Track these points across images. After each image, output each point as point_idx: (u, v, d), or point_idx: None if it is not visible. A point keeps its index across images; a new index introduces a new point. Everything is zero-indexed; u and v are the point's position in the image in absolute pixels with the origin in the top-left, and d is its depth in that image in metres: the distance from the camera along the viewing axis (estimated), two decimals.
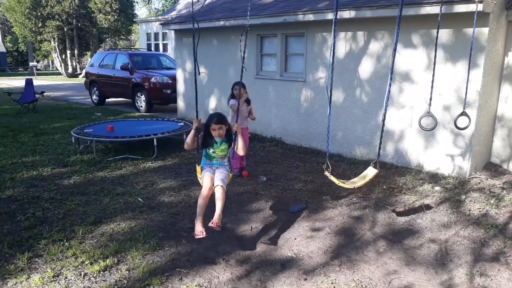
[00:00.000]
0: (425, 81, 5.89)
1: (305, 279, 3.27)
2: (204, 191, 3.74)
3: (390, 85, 3.44)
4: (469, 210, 4.67)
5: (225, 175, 3.95)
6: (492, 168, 6.15)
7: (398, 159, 6.43)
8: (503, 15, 5.78)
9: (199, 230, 3.52)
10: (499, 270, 3.43)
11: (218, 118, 3.93)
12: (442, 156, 5.97)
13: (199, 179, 4.05)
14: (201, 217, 3.62)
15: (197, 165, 4.16)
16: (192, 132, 3.93)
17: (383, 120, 3.68)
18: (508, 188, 5.37)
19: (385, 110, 3.55)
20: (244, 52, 4.15)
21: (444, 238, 4.01)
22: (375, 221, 4.40)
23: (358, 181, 3.72)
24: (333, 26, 3.33)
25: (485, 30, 5.35)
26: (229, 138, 4.05)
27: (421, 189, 5.36)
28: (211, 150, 3.98)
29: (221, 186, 3.73)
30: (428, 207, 4.78)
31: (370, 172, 3.73)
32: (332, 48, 3.48)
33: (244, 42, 4.09)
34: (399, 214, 4.59)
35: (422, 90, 5.97)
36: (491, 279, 3.29)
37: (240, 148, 4.04)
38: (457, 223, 4.35)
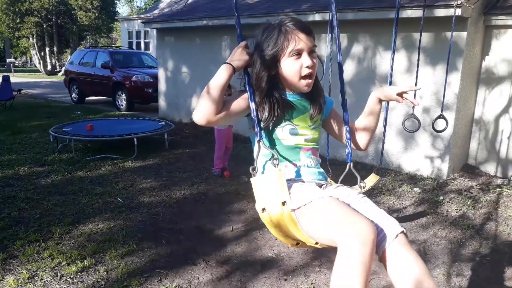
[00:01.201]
0: (405, 84, 5.98)
1: (285, 280, 3.27)
2: (364, 241, 1.43)
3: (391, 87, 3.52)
4: (447, 211, 4.76)
5: (369, 201, 1.78)
6: (469, 170, 6.28)
7: (378, 161, 6.49)
8: (481, 20, 5.91)
9: None
10: (474, 270, 3.50)
11: (302, 23, 1.75)
12: (421, 158, 6.06)
13: (262, 215, 1.67)
14: None
15: (252, 170, 1.76)
16: (228, 69, 1.71)
17: (384, 126, 3.76)
18: (484, 190, 5.49)
19: (386, 115, 3.62)
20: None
21: (422, 238, 4.07)
22: None
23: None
24: (328, 27, 3.33)
25: (464, 34, 5.46)
26: (316, 95, 1.87)
27: (401, 190, 5.43)
28: (288, 125, 1.80)
29: (403, 231, 1.69)
30: (407, 208, 4.84)
31: (372, 178, 3.81)
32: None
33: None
34: None
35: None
36: (467, 279, 3.35)
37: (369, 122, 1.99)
38: (435, 223, 4.42)
